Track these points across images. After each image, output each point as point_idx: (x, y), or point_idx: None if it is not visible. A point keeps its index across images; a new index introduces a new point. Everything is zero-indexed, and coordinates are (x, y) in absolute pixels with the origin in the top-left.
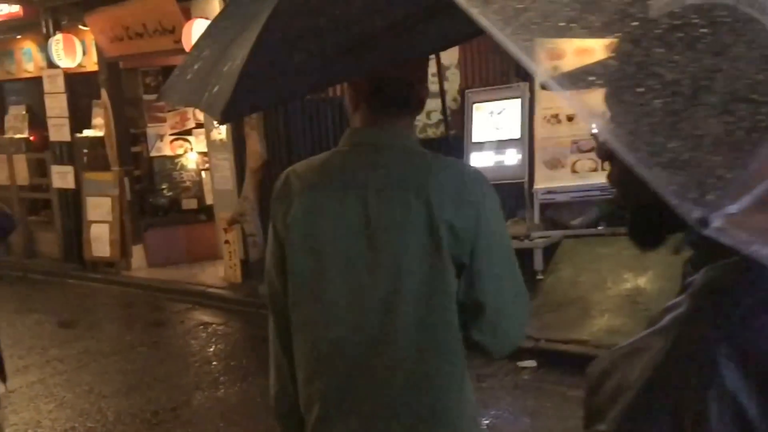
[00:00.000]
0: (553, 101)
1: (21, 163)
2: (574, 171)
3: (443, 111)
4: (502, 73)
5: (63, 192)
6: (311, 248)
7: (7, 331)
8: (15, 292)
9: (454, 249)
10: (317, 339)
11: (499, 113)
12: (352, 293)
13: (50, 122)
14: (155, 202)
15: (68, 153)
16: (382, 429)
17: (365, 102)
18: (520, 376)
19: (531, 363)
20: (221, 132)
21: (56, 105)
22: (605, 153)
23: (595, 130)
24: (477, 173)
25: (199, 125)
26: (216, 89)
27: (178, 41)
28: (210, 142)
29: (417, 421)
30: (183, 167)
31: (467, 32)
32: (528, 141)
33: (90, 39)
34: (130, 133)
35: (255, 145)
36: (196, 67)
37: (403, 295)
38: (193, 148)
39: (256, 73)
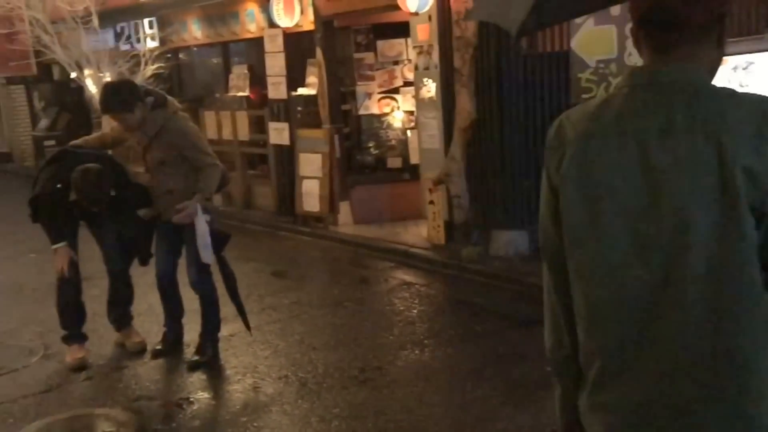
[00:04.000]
0: None
1: (242, 119)
2: None
3: None
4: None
5: (278, 148)
6: (587, 198)
7: None
8: (235, 241)
9: (752, 196)
10: (595, 291)
11: (744, 68)
12: (632, 245)
13: (269, 81)
14: (362, 160)
15: (284, 110)
16: (672, 394)
17: (641, 35)
18: None
19: None
20: (431, 90)
21: (275, 64)
22: None
23: None
24: None
25: (407, 83)
26: (516, 5)
27: None
28: (419, 100)
29: (712, 390)
30: (389, 126)
31: None
32: None
33: None
34: (341, 92)
35: (465, 104)
36: None
37: (689, 248)
38: (400, 107)
39: None
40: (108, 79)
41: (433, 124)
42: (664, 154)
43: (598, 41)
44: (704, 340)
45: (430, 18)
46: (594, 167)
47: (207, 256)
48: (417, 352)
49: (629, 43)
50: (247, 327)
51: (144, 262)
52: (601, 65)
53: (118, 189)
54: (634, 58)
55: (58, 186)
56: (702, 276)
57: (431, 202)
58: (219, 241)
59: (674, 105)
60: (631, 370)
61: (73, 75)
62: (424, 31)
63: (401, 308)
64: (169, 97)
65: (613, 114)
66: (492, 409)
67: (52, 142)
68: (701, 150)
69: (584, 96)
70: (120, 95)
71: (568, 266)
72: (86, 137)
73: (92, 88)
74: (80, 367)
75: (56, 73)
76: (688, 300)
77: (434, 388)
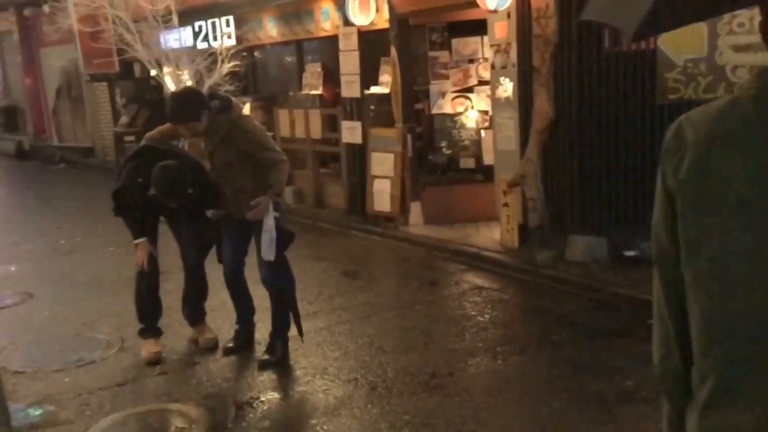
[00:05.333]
0: None
1: (315, 117)
2: None
3: None
4: None
5: (350, 147)
6: (706, 207)
7: (299, 276)
8: (306, 239)
9: None
10: (713, 307)
11: None
12: (755, 258)
13: (343, 79)
14: (434, 160)
15: (357, 109)
16: None
17: None
18: None
19: None
20: (507, 89)
21: (349, 62)
22: None
23: None
24: None
25: (482, 82)
26: (633, 4)
27: None
28: (495, 100)
29: None
30: (463, 126)
31: None
32: None
33: None
34: (414, 90)
35: (543, 104)
36: None
37: None
38: (474, 106)
39: None
40: (186, 77)
41: (510, 124)
42: None
43: (686, 39)
44: None
45: (508, 15)
46: (715, 173)
47: (269, 253)
48: (490, 359)
49: (720, 41)
50: (300, 333)
51: (222, 259)
52: (690, 64)
53: (195, 187)
54: (726, 57)
55: (139, 180)
56: None
57: (505, 205)
58: (284, 239)
59: None
60: (749, 393)
61: (153, 72)
62: (502, 29)
63: (473, 313)
64: (234, 99)
65: (739, 117)
66: (568, 423)
67: (132, 138)
68: None
69: (671, 97)
70: (187, 105)
71: (684, 277)
72: (160, 128)
73: (171, 85)
74: (155, 361)
75: (137, 71)
76: None
77: (507, 398)
